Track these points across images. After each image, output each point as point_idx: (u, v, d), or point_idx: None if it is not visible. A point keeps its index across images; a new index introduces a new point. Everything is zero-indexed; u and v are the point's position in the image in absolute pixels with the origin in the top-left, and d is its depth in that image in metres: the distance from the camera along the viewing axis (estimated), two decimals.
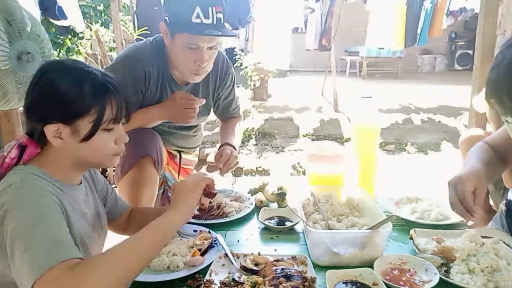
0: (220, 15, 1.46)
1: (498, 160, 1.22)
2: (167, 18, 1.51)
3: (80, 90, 0.92)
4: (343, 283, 1.01)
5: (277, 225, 1.36)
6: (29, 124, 0.97)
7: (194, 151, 2.11)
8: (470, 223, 1.13)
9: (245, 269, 1.07)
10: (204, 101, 1.67)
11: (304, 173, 1.94)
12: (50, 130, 0.92)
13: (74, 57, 7.87)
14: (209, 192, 1.09)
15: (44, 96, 0.94)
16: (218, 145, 1.81)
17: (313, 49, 6.35)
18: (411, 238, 1.19)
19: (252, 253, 1.14)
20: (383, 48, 6.47)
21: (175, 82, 1.67)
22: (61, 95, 0.92)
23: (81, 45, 7.19)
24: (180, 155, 1.98)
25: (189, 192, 1.01)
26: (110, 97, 0.95)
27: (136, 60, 1.59)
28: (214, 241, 1.22)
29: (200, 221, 1.38)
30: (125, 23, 6.16)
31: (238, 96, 1.98)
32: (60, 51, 7.35)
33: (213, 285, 1.01)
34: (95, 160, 1.01)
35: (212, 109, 1.91)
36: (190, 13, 1.42)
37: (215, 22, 1.45)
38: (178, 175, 1.98)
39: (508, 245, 1.12)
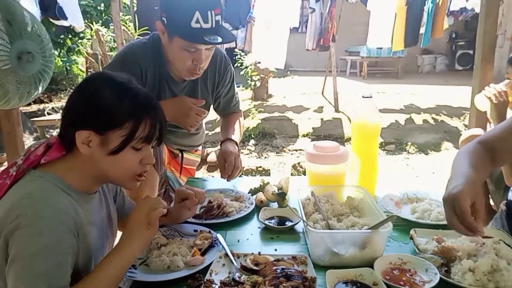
0: (218, 17, 1.45)
1: (487, 160, 1.16)
2: (164, 19, 1.49)
3: (119, 103, 0.93)
4: (343, 283, 1.01)
5: (277, 225, 1.36)
6: (62, 127, 0.98)
7: (196, 150, 2.10)
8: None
9: (245, 269, 1.07)
10: (203, 102, 1.68)
11: (304, 173, 1.93)
12: (81, 136, 0.93)
13: (75, 57, 7.90)
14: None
15: (83, 102, 0.95)
16: (220, 141, 1.81)
17: (312, 49, 6.34)
18: (411, 238, 1.19)
19: (252, 253, 1.13)
20: (381, 48, 6.45)
21: (173, 80, 1.67)
22: (100, 104, 0.93)
23: (82, 45, 7.21)
24: (182, 154, 1.98)
25: (141, 228, 0.97)
26: (146, 116, 0.96)
27: (132, 59, 1.58)
28: (214, 241, 1.22)
29: (200, 221, 1.38)
30: (126, 23, 6.17)
31: (237, 91, 1.97)
32: (60, 51, 7.36)
33: (213, 285, 1.00)
34: (115, 176, 1.00)
35: (212, 106, 1.91)
36: (190, 18, 1.40)
37: (214, 26, 1.44)
38: (180, 174, 1.98)
39: (509, 245, 1.12)
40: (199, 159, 2.17)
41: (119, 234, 1.27)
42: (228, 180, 1.61)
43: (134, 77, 1.55)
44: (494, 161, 1.16)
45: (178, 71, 1.61)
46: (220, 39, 1.45)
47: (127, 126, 0.94)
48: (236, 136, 1.80)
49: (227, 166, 1.59)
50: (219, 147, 4.79)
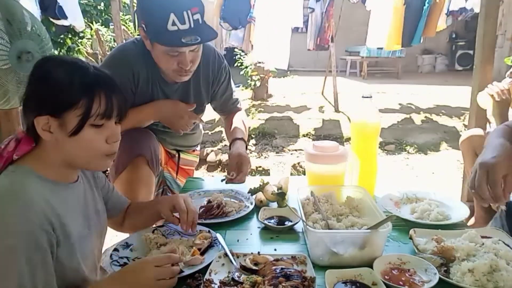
0: (197, 16, 1.42)
1: None
2: (143, 25, 1.48)
3: (69, 82, 0.92)
4: (342, 282, 1.01)
5: (276, 225, 1.36)
6: (24, 118, 0.97)
7: (194, 151, 2.09)
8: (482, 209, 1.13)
9: (244, 269, 1.07)
10: (194, 106, 1.68)
11: (304, 173, 1.93)
12: (40, 122, 0.92)
13: (75, 56, 7.90)
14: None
15: (35, 88, 0.95)
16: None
17: (312, 48, 6.34)
18: (410, 238, 1.19)
19: (251, 253, 1.13)
20: (381, 48, 6.44)
21: (164, 81, 1.65)
22: (51, 86, 0.93)
23: (82, 45, 7.19)
24: (179, 155, 1.97)
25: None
26: (99, 91, 0.94)
27: (124, 61, 1.57)
28: (214, 240, 1.22)
29: (199, 221, 1.38)
30: (126, 23, 6.17)
31: (235, 89, 1.93)
32: (60, 51, 7.35)
33: (212, 285, 1.00)
34: (84, 159, 0.99)
35: (205, 106, 1.88)
36: (165, 21, 1.38)
37: (192, 26, 1.41)
38: (176, 175, 1.97)
39: (508, 245, 1.12)
40: (197, 160, 2.16)
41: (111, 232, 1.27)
42: (228, 183, 1.58)
43: (126, 79, 1.56)
44: None
45: (166, 74, 1.60)
46: (199, 39, 1.42)
47: (82, 104, 0.92)
48: (241, 134, 1.78)
49: (238, 173, 1.57)
50: (218, 147, 4.79)
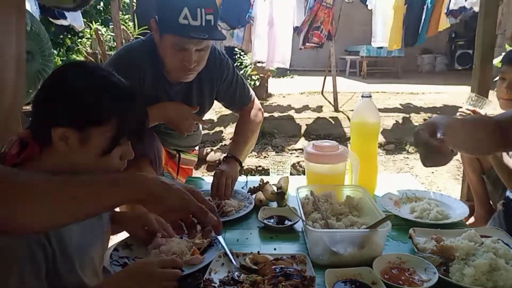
0: (210, 17, 1.43)
1: (495, 133, 1.11)
2: (156, 16, 1.51)
3: (102, 99, 0.89)
4: (342, 282, 1.01)
5: (276, 224, 1.36)
6: (35, 121, 0.92)
7: (193, 151, 2.11)
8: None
9: (244, 268, 1.07)
10: (198, 108, 1.69)
11: (303, 173, 1.93)
12: (58, 133, 0.88)
13: (74, 56, 7.89)
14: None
15: (61, 98, 0.89)
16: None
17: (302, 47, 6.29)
18: (410, 237, 1.19)
19: (251, 252, 1.13)
20: (381, 48, 6.43)
21: (168, 82, 1.66)
22: (81, 100, 0.88)
23: (81, 44, 7.19)
24: (179, 155, 1.98)
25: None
26: (131, 111, 0.93)
27: (130, 61, 1.58)
28: (214, 240, 1.22)
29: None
30: (125, 22, 6.17)
31: (243, 82, 1.87)
32: (60, 50, 7.35)
33: (212, 284, 1.00)
34: (92, 170, 0.96)
35: (208, 107, 1.88)
36: (178, 14, 1.40)
37: (203, 24, 1.42)
38: (177, 175, 1.97)
39: (507, 244, 1.12)
40: (196, 159, 2.17)
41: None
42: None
43: (132, 79, 1.54)
44: (507, 139, 1.11)
45: (170, 71, 1.60)
46: (206, 36, 1.44)
47: (112, 124, 0.90)
48: (241, 151, 1.78)
49: (219, 187, 1.56)
50: (218, 146, 4.79)
